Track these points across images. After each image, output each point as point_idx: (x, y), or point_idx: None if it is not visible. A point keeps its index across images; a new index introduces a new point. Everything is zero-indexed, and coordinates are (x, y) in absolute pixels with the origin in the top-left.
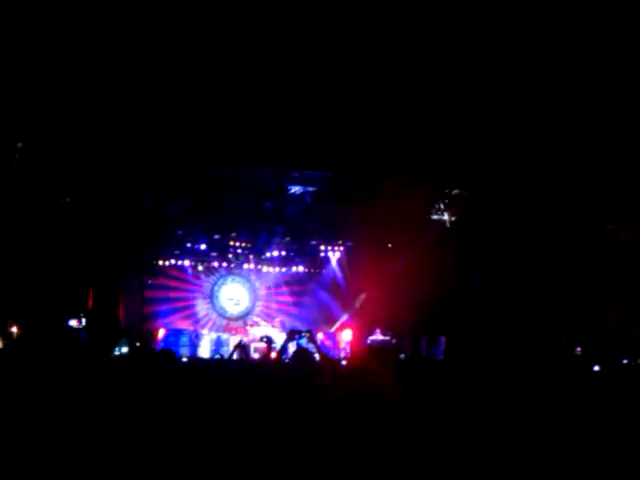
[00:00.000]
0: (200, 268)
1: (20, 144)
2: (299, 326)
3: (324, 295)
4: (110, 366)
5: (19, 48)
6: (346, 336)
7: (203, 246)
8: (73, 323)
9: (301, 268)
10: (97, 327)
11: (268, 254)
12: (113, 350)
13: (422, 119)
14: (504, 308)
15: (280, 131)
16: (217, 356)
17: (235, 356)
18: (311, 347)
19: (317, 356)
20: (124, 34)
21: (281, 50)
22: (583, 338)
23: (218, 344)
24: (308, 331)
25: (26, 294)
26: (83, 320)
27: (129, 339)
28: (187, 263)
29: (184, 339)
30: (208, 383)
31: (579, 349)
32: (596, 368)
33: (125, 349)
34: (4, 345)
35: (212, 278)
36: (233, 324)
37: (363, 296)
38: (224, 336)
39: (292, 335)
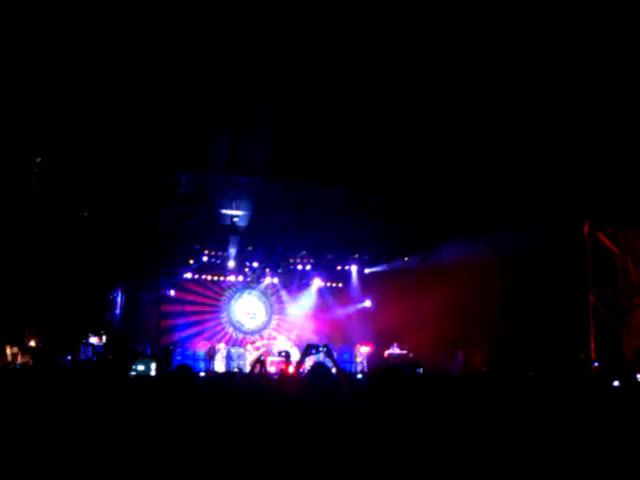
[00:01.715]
0: (217, 281)
1: (39, 159)
2: (316, 340)
3: (341, 309)
4: (128, 384)
5: (39, 66)
6: (363, 350)
7: (220, 260)
8: (94, 340)
9: (318, 281)
10: (117, 343)
11: (285, 267)
12: (130, 369)
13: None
14: (523, 322)
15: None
16: (235, 370)
17: (254, 371)
18: (328, 362)
19: (334, 371)
20: (144, 56)
21: None
22: (601, 354)
23: (234, 358)
24: (325, 346)
25: (45, 307)
26: (104, 337)
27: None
28: (204, 277)
29: (200, 353)
30: (227, 399)
31: (597, 364)
32: (615, 383)
33: (141, 367)
34: (24, 359)
35: (229, 292)
36: (249, 338)
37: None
38: (240, 350)
39: (309, 349)
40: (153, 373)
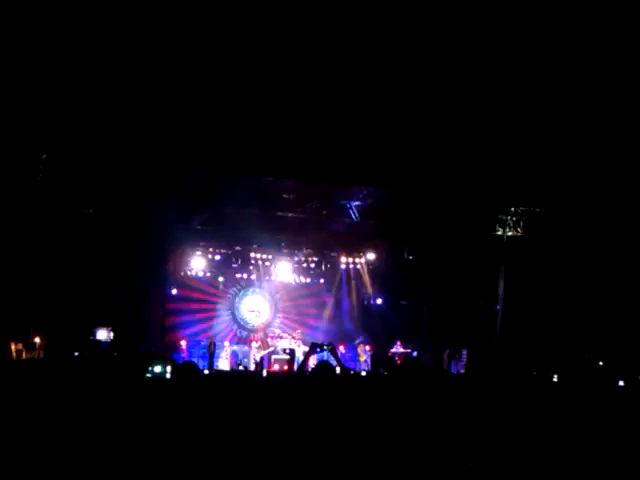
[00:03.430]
0: (221, 279)
1: (45, 156)
2: (320, 338)
3: (345, 307)
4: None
5: (46, 65)
6: (367, 349)
7: (225, 257)
8: (102, 335)
9: (322, 280)
10: (125, 341)
11: (290, 266)
12: (145, 372)
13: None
14: (527, 320)
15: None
16: (241, 367)
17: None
18: (332, 360)
19: (338, 369)
20: (148, 55)
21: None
22: (605, 353)
23: (239, 356)
24: (330, 344)
25: (50, 304)
26: (111, 333)
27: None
28: (209, 274)
29: (204, 351)
30: (233, 396)
31: (600, 363)
32: (621, 383)
33: (158, 369)
34: (28, 355)
35: (233, 289)
36: (254, 336)
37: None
38: (244, 348)
39: (314, 348)
40: (169, 376)
